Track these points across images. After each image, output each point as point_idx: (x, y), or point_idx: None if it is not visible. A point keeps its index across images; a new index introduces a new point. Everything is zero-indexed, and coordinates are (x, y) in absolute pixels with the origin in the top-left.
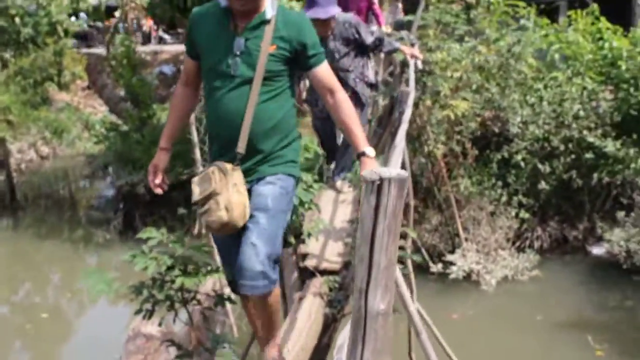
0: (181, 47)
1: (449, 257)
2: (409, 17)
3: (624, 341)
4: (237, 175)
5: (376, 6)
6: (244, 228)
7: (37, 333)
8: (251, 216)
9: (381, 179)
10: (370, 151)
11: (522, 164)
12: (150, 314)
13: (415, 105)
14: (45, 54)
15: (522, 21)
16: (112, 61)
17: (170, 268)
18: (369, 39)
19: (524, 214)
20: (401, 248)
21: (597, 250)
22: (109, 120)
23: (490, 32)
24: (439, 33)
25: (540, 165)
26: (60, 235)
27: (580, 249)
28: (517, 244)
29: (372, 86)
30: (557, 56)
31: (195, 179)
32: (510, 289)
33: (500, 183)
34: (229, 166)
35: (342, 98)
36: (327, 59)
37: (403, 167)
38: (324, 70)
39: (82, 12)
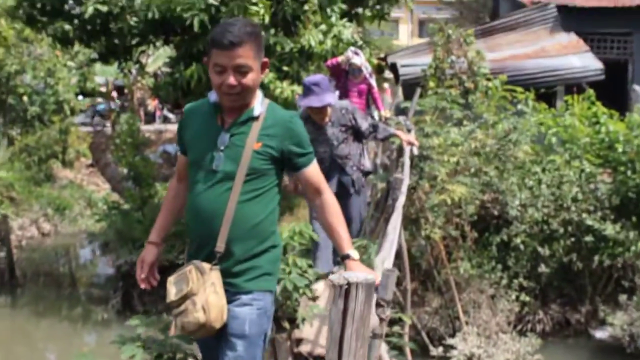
0: None
1: (450, 341)
2: (407, 104)
3: None
4: (215, 275)
5: (375, 90)
6: (222, 338)
7: None
8: (228, 340)
9: (349, 284)
10: (354, 254)
11: (522, 246)
12: None
13: (413, 189)
14: (50, 132)
15: (520, 106)
16: (117, 139)
17: (158, 356)
18: (364, 125)
19: (525, 297)
20: (398, 334)
21: (600, 334)
22: (112, 198)
23: (488, 116)
24: (435, 119)
25: (540, 248)
26: (58, 312)
27: (583, 332)
28: (519, 327)
29: (368, 173)
30: (554, 140)
31: (171, 278)
32: None
33: (500, 266)
34: (206, 266)
35: (329, 200)
36: (326, 146)
37: (399, 252)
38: (312, 171)
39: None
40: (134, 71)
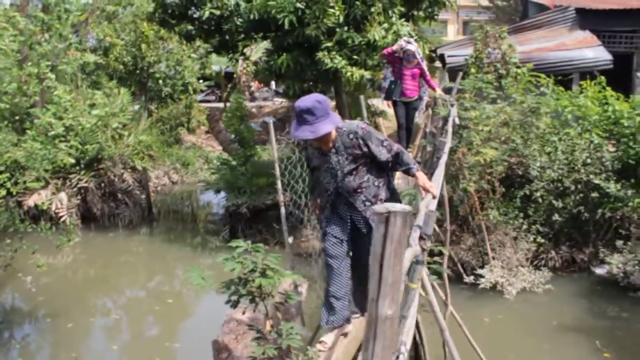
0: (277, 103)
1: (479, 271)
2: (451, 85)
3: (623, 346)
4: None
5: (427, 73)
6: None
7: (165, 313)
8: None
9: (389, 212)
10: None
11: (540, 200)
12: (235, 304)
13: (454, 151)
14: (178, 106)
15: (542, 89)
16: (228, 112)
17: (251, 271)
18: (383, 156)
19: (540, 240)
20: (439, 263)
21: (599, 271)
22: (223, 157)
23: (516, 96)
24: (473, 96)
25: (554, 202)
26: (183, 240)
27: (586, 269)
28: (534, 263)
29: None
30: (569, 116)
31: None
32: (528, 298)
33: (522, 214)
34: None
35: None
36: (330, 176)
37: (441, 201)
38: None
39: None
40: (240, 61)
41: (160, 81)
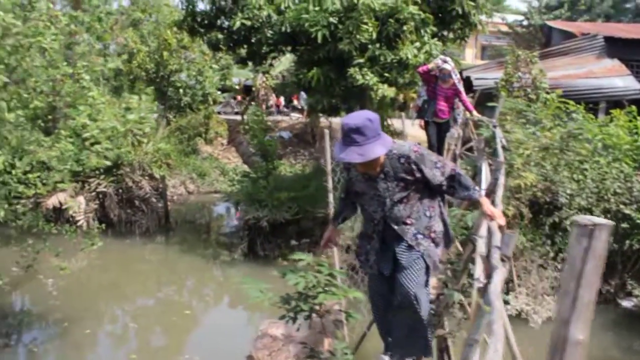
0: (294, 118)
1: (504, 297)
2: (492, 104)
3: None
4: None
5: (463, 94)
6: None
7: (182, 325)
8: None
9: (593, 225)
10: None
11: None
12: (293, 320)
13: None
14: (197, 117)
15: (574, 115)
16: (246, 125)
17: (313, 286)
18: (437, 178)
19: None
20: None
21: (626, 303)
22: (240, 169)
23: (546, 121)
24: (513, 118)
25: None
26: (200, 252)
27: (612, 301)
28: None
29: (448, 242)
30: (599, 144)
31: None
32: None
33: (549, 242)
34: None
35: None
36: (377, 204)
37: None
38: None
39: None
40: (260, 74)
41: (181, 90)
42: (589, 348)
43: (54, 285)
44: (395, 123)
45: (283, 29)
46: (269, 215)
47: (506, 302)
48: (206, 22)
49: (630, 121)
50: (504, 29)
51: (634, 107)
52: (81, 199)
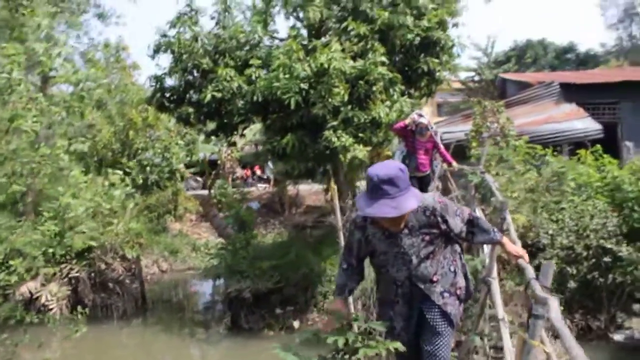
0: (261, 189)
1: (498, 344)
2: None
3: None
4: None
5: (441, 146)
6: None
7: None
8: None
9: None
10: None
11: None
12: None
13: None
14: (165, 194)
15: (546, 157)
16: (217, 198)
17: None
18: (458, 226)
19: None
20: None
21: (618, 337)
22: (212, 244)
23: (519, 167)
24: (495, 165)
25: (568, 268)
26: (179, 329)
27: (603, 336)
28: (550, 333)
29: (468, 297)
30: (572, 184)
31: None
32: None
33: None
34: None
35: None
36: (401, 264)
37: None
38: None
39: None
40: (224, 147)
41: (147, 168)
42: None
43: None
44: (363, 185)
45: (255, 98)
46: (251, 285)
47: (499, 348)
48: (175, 97)
49: (597, 159)
50: (457, 85)
51: (598, 146)
52: (53, 285)
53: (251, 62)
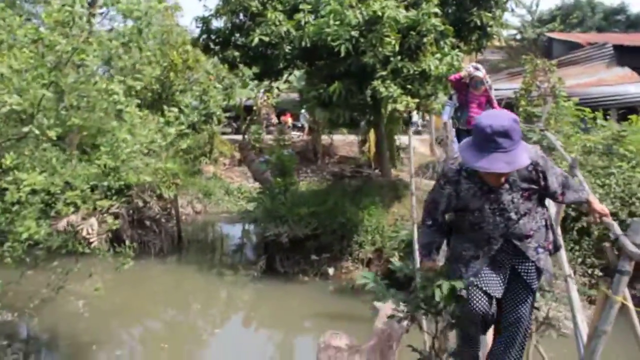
0: (295, 137)
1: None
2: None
3: None
4: None
5: (495, 101)
6: None
7: (216, 344)
8: None
9: None
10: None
11: (596, 232)
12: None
13: None
14: (202, 136)
15: (599, 121)
16: (256, 143)
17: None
18: (554, 184)
19: (598, 273)
20: None
21: None
22: (244, 189)
23: (567, 129)
24: (554, 124)
25: (610, 235)
26: (217, 271)
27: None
28: (588, 298)
29: (557, 249)
30: (622, 150)
31: None
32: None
33: (577, 247)
34: None
35: None
36: (499, 219)
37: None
38: None
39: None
40: (261, 93)
41: (185, 110)
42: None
43: (80, 307)
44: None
45: (303, 43)
46: (288, 230)
47: (537, 308)
48: (221, 39)
49: None
50: (496, 43)
51: None
52: (93, 220)
53: (301, 6)
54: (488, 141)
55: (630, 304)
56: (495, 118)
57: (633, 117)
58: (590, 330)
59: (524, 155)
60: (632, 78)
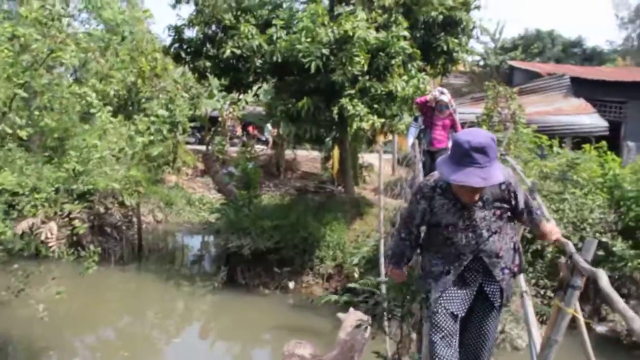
0: (259, 150)
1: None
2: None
3: None
4: None
5: (459, 125)
6: None
7: (175, 353)
8: None
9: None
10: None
11: (548, 255)
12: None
13: None
14: (166, 145)
15: (555, 149)
16: (220, 155)
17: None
18: (521, 204)
19: (546, 293)
20: None
21: (600, 329)
22: (206, 199)
23: (525, 155)
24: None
25: (562, 258)
26: (176, 282)
27: (586, 326)
28: (539, 318)
29: (520, 271)
30: (575, 177)
31: None
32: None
33: (530, 269)
34: None
35: None
36: (470, 236)
37: None
38: None
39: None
40: (226, 105)
41: (151, 118)
42: None
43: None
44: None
45: (274, 58)
46: (251, 243)
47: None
48: (193, 49)
49: (600, 155)
50: (460, 68)
51: (604, 143)
52: (53, 224)
53: (274, 22)
54: (465, 156)
55: (579, 316)
56: (473, 135)
57: (587, 146)
58: (544, 341)
59: (499, 172)
60: (587, 109)
